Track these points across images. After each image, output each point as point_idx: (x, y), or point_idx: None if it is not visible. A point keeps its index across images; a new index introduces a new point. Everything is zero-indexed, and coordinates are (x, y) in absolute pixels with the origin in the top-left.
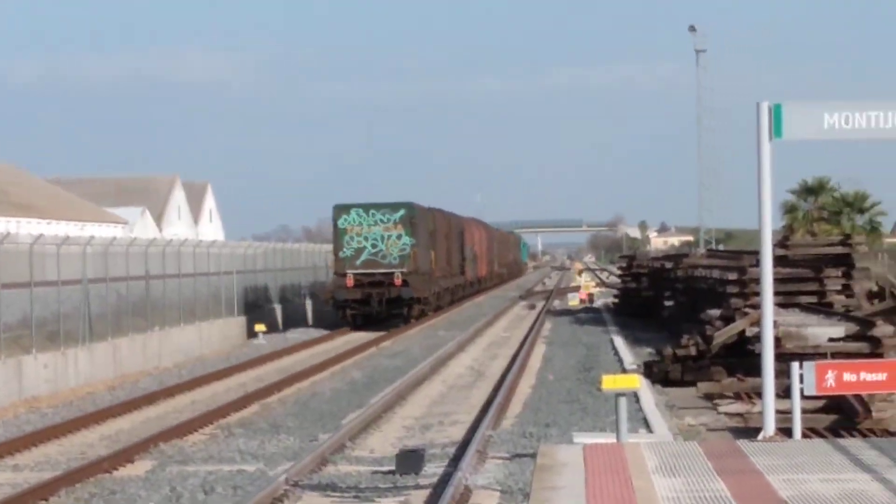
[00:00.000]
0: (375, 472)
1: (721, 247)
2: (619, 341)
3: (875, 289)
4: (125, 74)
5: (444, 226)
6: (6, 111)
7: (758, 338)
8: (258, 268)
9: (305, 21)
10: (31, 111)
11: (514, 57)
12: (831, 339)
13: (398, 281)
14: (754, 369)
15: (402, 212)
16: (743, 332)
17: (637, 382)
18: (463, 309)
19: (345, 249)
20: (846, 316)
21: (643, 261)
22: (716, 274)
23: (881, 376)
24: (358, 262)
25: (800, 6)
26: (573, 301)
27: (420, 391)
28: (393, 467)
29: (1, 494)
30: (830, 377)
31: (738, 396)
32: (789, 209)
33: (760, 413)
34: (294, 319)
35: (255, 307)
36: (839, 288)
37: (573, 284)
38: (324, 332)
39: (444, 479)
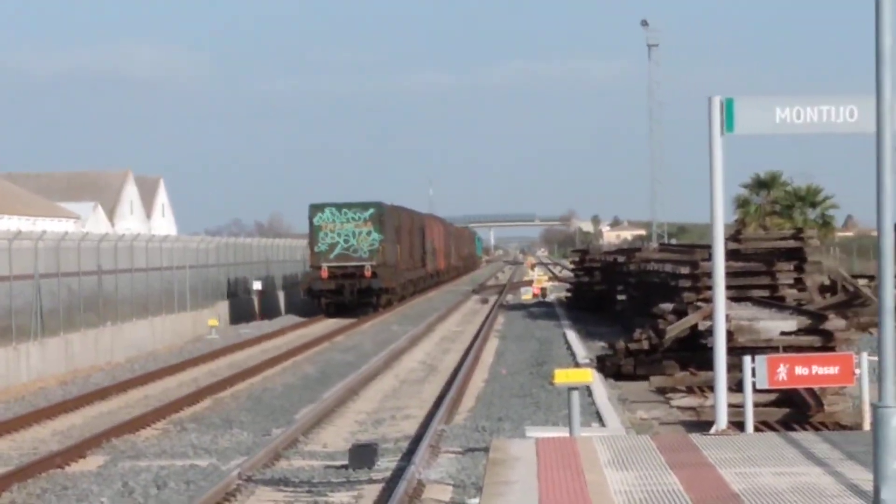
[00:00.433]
0: (328, 467)
1: (673, 241)
2: (572, 335)
3: (827, 282)
4: (73, 69)
5: (407, 222)
6: None
7: (710, 331)
8: (211, 262)
9: (256, 14)
10: None
11: (463, 50)
12: (783, 333)
13: (368, 273)
14: (707, 363)
15: (371, 210)
16: (695, 325)
17: (589, 376)
18: (416, 303)
19: (320, 244)
20: (798, 310)
21: (596, 255)
22: (668, 268)
23: (833, 370)
24: (332, 256)
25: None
26: (526, 295)
27: (372, 386)
28: (346, 462)
29: None
30: (782, 371)
31: (690, 390)
32: (742, 203)
33: (713, 407)
34: (247, 313)
35: (207, 301)
36: (791, 282)
37: (526, 279)
38: (276, 328)
39: (397, 474)
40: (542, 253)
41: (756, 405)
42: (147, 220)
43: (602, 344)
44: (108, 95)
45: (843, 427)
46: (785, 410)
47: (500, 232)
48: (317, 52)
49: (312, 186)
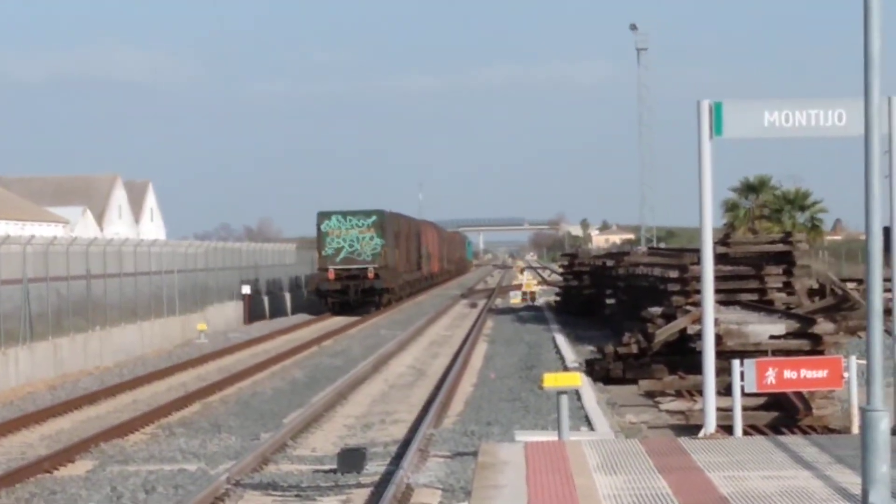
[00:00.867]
0: (317, 471)
1: (662, 245)
2: (561, 339)
3: (816, 286)
4: (61, 73)
5: (405, 228)
6: None
7: (699, 335)
8: (199, 267)
9: (244, 18)
10: None
11: (452, 53)
12: (772, 337)
13: (371, 274)
14: (695, 367)
15: (374, 217)
16: (684, 329)
17: (579, 380)
18: (405, 307)
19: (326, 249)
20: (787, 313)
21: (585, 259)
22: (657, 272)
23: (821, 374)
24: (338, 259)
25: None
26: (515, 299)
27: (361, 390)
28: (334, 466)
29: None
30: (771, 375)
31: (679, 394)
32: (730, 207)
33: (702, 410)
34: (236, 318)
35: (196, 306)
36: (780, 285)
37: (515, 283)
38: (264, 333)
39: (386, 478)
40: (531, 257)
41: (745, 409)
42: (136, 225)
43: (591, 348)
44: (97, 99)
45: (832, 431)
46: (774, 414)
47: (489, 236)
48: (305, 56)
49: (301, 190)
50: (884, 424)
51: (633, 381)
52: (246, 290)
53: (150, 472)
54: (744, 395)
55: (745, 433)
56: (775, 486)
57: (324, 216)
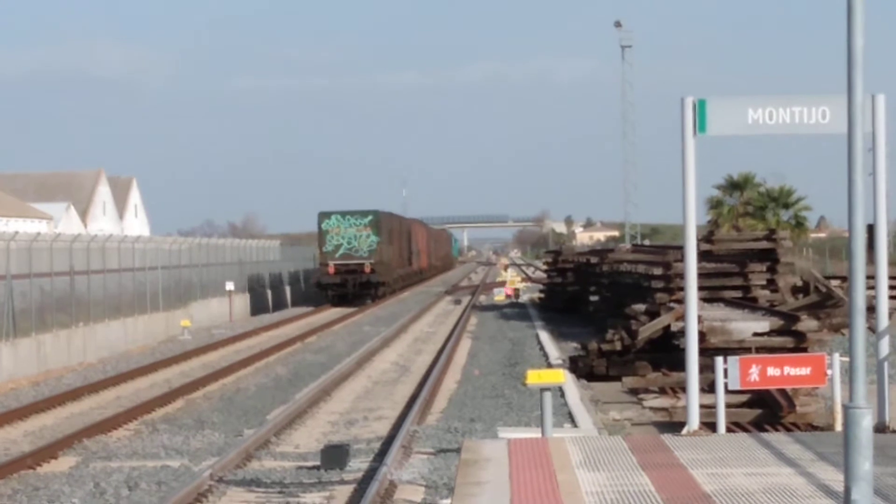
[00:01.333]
0: (300, 468)
1: (646, 242)
2: (545, 336)
3: (800, 283)
4: (42, 69)
5: (398, 227)
6: None
7: (683, 332)
8: (183, 263)
9: (228, 13)
10: None
11: (434, 50)
12: (756, 334)
13: (368, 269)
14: (679, 364)
15: (370, 217)
16: (668, 326)
17: (562, 377)
18: (388, 304)
19: (327, 245)
20: (771, 311)
21: (569, 256)
22: (641, 269)
23: (805, 371)
24: (337, 255)
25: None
26: (499, 296)
27: (345, 386)
28: (318, 462)
29: None
30: (755, 372)
31: (662, 391)
32: (715, 204)
33: (685, 407)
34: (220, 314)
35: (180, 302)
36: (764, 283)
37: (499, 279)
38: (248, 329)
39: (369, 475)
40: (515, 254)
41: (728, 406)
42: (120, 221)
43: (575, 345)
44: (81, 95)
45: (815, 428)
46: (757, 411)
47: (473, 233)
48: (289, 52)
49: (286, 187)
50: (866, 422)
51: (617, 378)
52: (230, 286)
53: (134, 469)
54: (727, 392)
55: (729, 430)
56: (758, 483)
57: (324, 216)
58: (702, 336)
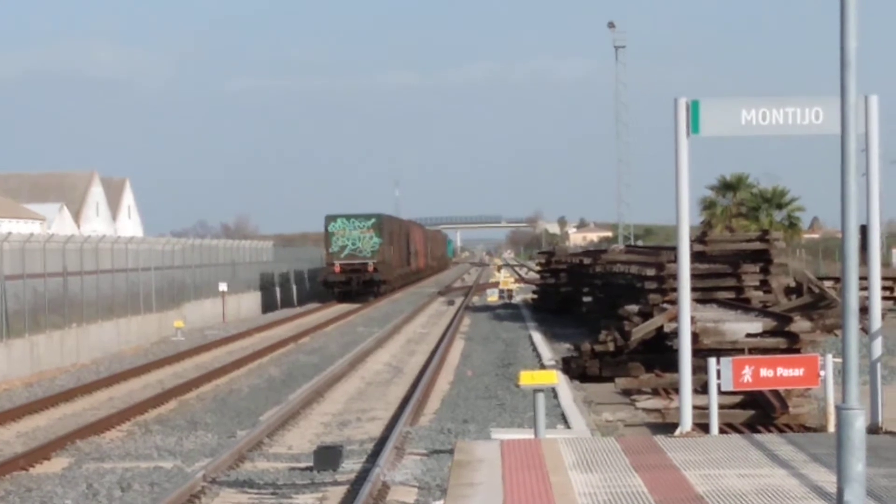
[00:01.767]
0: (293, 469)
1: (640, 242)
2: (538, 337)
3: (793, 284)
4: (35, 70)
5: (398, 229)
6: None
7: (676, 333)
8: (176, 264)
9: (221, 14)
10: None
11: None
12: (749, 335)
13: (371, 268)
14: (672, 365)
15: (373, 220)
16: (661, 327)
17: (555, 378)
18: (381, 305)
19: (333, 246)
20: (764, 311)
21: (562, 256)
22: (634, 269)
23: (798, 372)
24: (343, 255)
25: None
26: (492, 297)
27: (338, 387)
28: (311, 464)
29: None
30: (748, 373)
31: (655, 392)
32: (708, 205)
33: (678, 409)
34: (213, 315)
35: (173, 303)
36: (757, 283)
37: (492, 280)
38: (242, 329)
39: (362, 476)
40: (508, 255)
41: (721, 407)
42: (113, 222)
43: (568, 345)
44: (74, 96)
45: (808, 429)
46: (750, 412)
47: (466, 234)
48: (283, 53)
49: (279, 187)
50: (859, 423)
51: (610, 379)
52: (223, 287)
53: (126, 470)
54: (720, 393)
55: (722, 431)
56: (751, 485)
57: (330, 219)
58: (695, 337)
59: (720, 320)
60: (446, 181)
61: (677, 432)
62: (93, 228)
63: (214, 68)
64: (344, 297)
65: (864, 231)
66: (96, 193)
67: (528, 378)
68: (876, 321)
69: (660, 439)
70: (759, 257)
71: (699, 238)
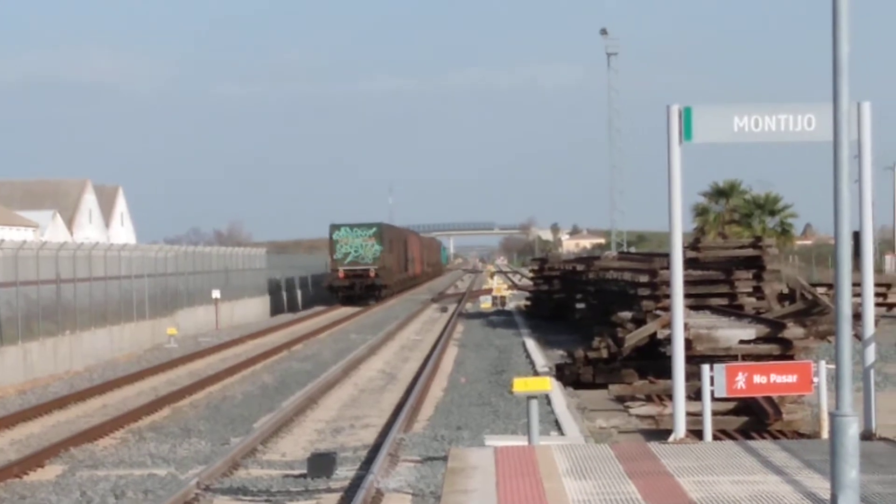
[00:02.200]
0: (287, 476)
1: (633, 249)
2: (531, 344)
3: (786, 291)
4: (28, 76)
5: (397, 237)
6: None
7: (669, 340)
8: (169, 271)
9: (213, 20)
10: None
11: (420, 57)
12: (742, 342)
13: (372, 274)
14: (665, 371)
15: (374, 229)
16: (654, 334)
17: (548, 385)
18: (373, 312)
19: (337, 253)
20: (757, 318)
21: (555, 263)
22: (627, 276)
23: (791, 378)
24: (346, 262)
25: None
26: (485, 304)
27: (332, 394)
28: (304, 471)
29: None
30: (741, 379)
31: (649, 398)
32: (700, 212)
33: (671, 415)
34: (207, 322)
35: (166, 310)
36: (750, 290)
37: (485, 287)
38: (235, 336)
39: (356, 483)
40: (501, 261)
41: (714, 413)
42: (106, 229)
43: (561, 352)
44: (67, 103)
45: (802, 435)
46: (743, 419)
47: (459, 240)
48: (275, 58)
49: (272, 194)
50: (853, 429)
51: (604, 386)
52: (216, 294)
53: (120, 477)
54: (714, 399)
55: (715, 438)
56: (745, 491)
57: (335, 228)
58: (688, 344)
59: (713, 327)
60: (439, 188)
61: (671, 439)
62: (86, 235)
63: (207, 74)
64: (347, 301)
65: (856, 237)
66: (89, 200)
67: (522, 385)
68: (869, 327)
69: (653, 446)
70: (751, 264)
71: (692, 245)
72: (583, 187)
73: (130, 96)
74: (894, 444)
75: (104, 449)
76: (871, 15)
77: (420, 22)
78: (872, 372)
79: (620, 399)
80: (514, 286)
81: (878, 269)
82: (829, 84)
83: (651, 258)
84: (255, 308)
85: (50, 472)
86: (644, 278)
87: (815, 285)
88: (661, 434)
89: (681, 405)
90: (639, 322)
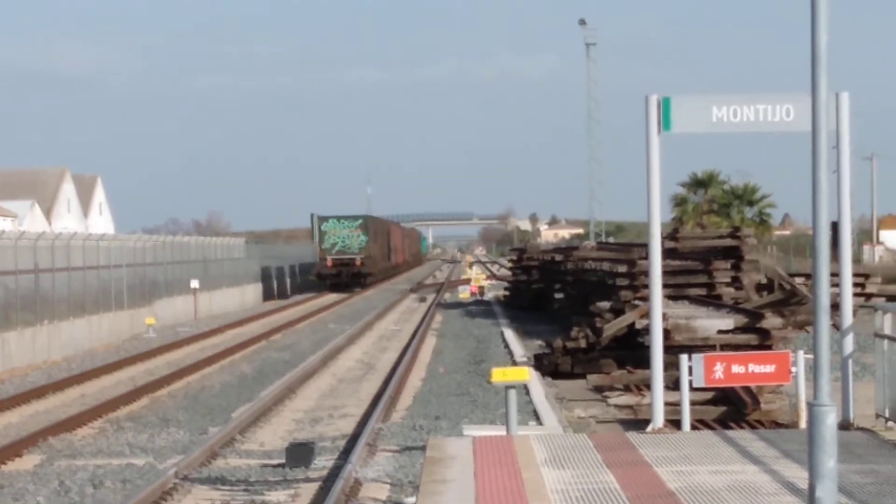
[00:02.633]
0: (265, 466)
1: (611, 239)
2: (510, 334)
3: (764, 281)
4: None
5: (381, 228)
6: None
7: (647, 330)
8: (148, 261)
9: (190, 12)
10: None
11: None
12: (720, 332)
13: (358, 263)
14: (644, 361)
15: (360, 220)
16: (632, 324)
17: (527, 375)
18: (352, 302)
19: (325, 243)
20: (735, 308)
21: (534, 253)
22: (606, 266)
23: (769, 368)
24: (334, 251)
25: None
26: (464, 294)
27: (310, 384)
28: (283, 460)
29: None
30: (719, 369)
31: (627, 388)
32: (679, 202)
33: (650, 405)
34: (185, 312)
35: (145, 300)
36: (728, 280)
37: (464, 277)
38: (214, 326)
39: (334, 472)
40: (480, 251)
41: (693, 403)
42: (84, 219)
43: (540, 342)
44: (44, 93)
45: (780, 425)
46: (722, 409)
47: (438, 231)
48: (251, 49)
49: (250, 184)
50: (830, 419)
51: (582, 376)
52: (195, 284)
53: (98, 467)
54: (692, 389)
55: (694, 428)
56: (723, 481)
57: (322, 219)
58: (666, 334)
59: (692, 317)
60: (417, 178)
61: (649, 428)
62: (64, 225)
63: (185, 65)
64: (334, 288)
65: (835, 227)
66: (68, 190)
67: (500, 375)
68: (847, 317)
69: (632, 436)
70: (730, 254)
71: (670, 235)
72: (561, 178)
73: (108, 87)
74: (872, 434)
75: (82, 439)
76: (850, 5)
77: (396, 12)
78: (851, 362)
79: (599, 389)
80: (492, 276)
81: (857, 259)
82: (808, 75)
83: (629, 248)
84: (233, 298)
85: (28, 461)
86: (622, 268)
87: (793, 275)
88: (640, 424)
89: (659, 395)
90: (617, 312)
